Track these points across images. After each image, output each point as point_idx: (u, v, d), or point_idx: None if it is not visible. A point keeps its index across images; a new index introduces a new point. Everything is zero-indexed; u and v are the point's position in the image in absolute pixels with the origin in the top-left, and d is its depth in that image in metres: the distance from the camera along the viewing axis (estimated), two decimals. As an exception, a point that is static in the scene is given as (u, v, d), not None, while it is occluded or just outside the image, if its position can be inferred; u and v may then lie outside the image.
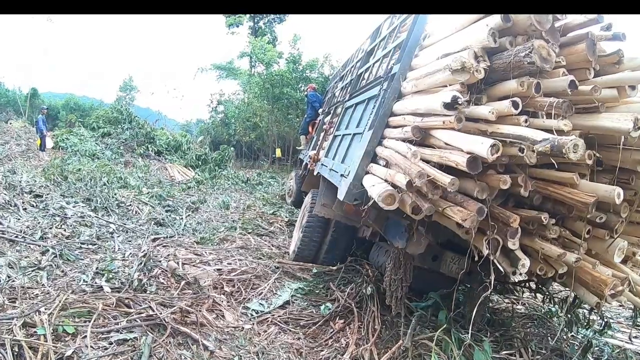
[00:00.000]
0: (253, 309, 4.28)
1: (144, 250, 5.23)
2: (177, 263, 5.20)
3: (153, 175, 11.77)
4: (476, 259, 3.10)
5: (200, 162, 13.83)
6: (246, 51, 25.88)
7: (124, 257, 5.30)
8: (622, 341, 4.80)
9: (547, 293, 4.89)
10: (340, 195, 3.86)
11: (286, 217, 9.33)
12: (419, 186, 2.73)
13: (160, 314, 3.46)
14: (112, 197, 7.94)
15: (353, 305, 4.34)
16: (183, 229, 7.30)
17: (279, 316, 4.21)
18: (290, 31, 47.66)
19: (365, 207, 3.46)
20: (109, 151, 13.26)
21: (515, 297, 6.35)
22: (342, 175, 4.19)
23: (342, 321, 4.18)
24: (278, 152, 20.34)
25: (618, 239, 3.17)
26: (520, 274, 3.18)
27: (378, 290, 4.68)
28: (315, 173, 6.39)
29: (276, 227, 8.54)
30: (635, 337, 4.98)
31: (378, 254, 5.26)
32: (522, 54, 2.66)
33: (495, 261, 2.93)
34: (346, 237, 5.99)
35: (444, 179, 2.59)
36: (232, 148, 15.92)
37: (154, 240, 6.27)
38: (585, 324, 4.65)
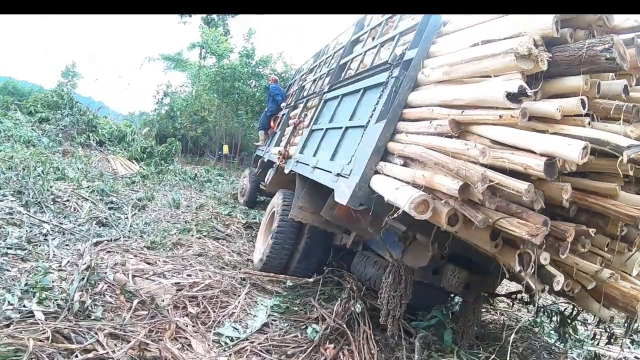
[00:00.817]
0: (227, 336, 3.51)
1: (86, 262, 4.26)
2: (127, 275, 4.30)
3: (94, 167, 10.47)
4: (507, 275, 2.84)
5: (145, 155, 12.58)
6: (197, 42, 24.52)
7: (60, 266, 4.32)
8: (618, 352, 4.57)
9: (540, 305, 4.64)
10: (342, 198, 3.28)
11: (242, 218, 8.51)
12: (476, 193, 2.14)
13: (113, 351, 2.61)
14: (47, 190, 6.76)
15: (344, 326, 3.68)
16: (129, 231, 6.32)
17: (259, 343, 3.49)
18: (241, 27, 46.28)
19: (357, 211, 3.14)
20: (46, 138, 11.76)
21: (491, 306, 6.01)
22: (339, 175, 3.60)
23: (332, 346, 3.53)
24: (225, 149, 19.34)
25: (637, 252, 3.03)
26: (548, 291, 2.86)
27: (367, 307, 4.08)
28: (287, 171, 5.66)
29: (233, 230, 7.74)
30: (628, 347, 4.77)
31: (365, 265, 4.69)
32: (599, 48, 2.16)
33: (526, 277, 2.54)
34: (322, 244, 5.38)
35: (518, 185, 2.03)
36: (178, 142, 14.73)
37: (96, 244, 5.29)
38: (574, 336, 4.53)
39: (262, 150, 9.20)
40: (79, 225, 5.85)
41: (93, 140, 12.55)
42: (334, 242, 5.36)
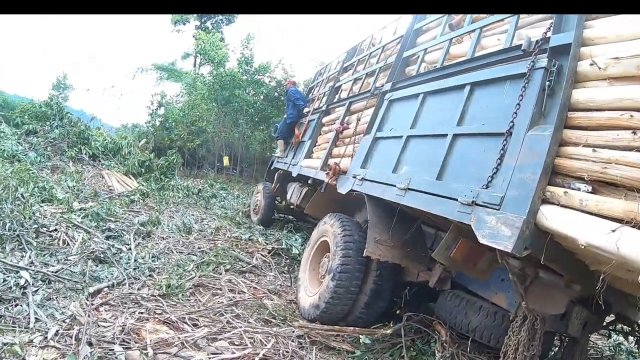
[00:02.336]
0: None
1: (79, 327, 2.76)
2: (144, 352, 2.81)
3: (87, 185, 8.89)
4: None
5: (143, 170, 10.98)
6: (190, 52, 22.93)
7: (45, 338, 2.84)
8: None
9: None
10: (496, 241, 2.26)
11: (264, 243, 7.00)
12: None
13: None
14: (30, 218, 5.19)
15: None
16: (135, 268, 4.80)
17: None
18: (236, 33, 44.37)
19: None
20: (33, 152, 10.14)
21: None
22: (474, 204, 2.50)
23: None
24: (226, 161, 17.83)
25: None
26: None
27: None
28: (344, 192, 4.26)
29: (258, 259, 6.23)
30: None
31: (466, 311, 3.53)
32: None
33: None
34: (391, 283, 4.12)
35: None
36: (178, 154, 13.21)
37: (92, 294, 3.77)
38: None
39: (283, 162, 7.74)
40: (69, 267, 4.31)
41: (85, 153, 10.94)
42: (406, 278, 4.09)
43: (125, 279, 4.32)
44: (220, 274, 5.27)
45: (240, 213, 9.98)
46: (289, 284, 5.54)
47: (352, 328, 3.90)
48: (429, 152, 3.24)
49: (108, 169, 10.58)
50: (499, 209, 2.31)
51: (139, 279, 4.51)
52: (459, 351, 3.49)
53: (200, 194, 11.36)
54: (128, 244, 5.65)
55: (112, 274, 4.44)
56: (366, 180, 3.98)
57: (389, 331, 3.81)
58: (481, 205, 2.43)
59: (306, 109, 7.64)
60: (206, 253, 5.94)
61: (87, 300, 3.61)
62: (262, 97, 17.56)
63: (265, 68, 17.48)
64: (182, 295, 4.23)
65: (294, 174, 6.39)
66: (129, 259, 5.06)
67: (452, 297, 3.69)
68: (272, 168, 8.56)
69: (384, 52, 5.26)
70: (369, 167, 4.13)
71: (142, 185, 10.26)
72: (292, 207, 9.16)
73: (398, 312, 4.10)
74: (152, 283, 4.46)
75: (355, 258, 3.97)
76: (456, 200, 2.61)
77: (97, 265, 4.58)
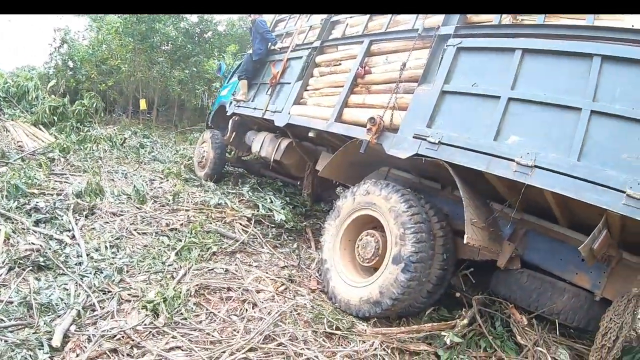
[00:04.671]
0: None
1: None
2: None
3: (-14, 144, 6.44)
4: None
5: (56, 118, 8.47)
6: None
7: None
8: None
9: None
10: None
11: (237, 208, 5.53)
12: None
13: None
14: None
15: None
16: (95, 272, 3.17)
17: None
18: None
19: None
20: None
21: None
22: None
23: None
24: (142, 104, 15.18)
25: None
26: None
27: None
28: (407, 155, 3.04)
29: (241, 232, 4.83)
30: None
31: (550, 294, 3.05)
32: None
33: None
34: (454, 267, 3.48)
35: None
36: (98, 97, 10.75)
37: (57, 349, 2.21)
38: None
39: (247, 107, 6.07)
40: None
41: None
42: (462, 256, 3.40)
43: (91, 298, 2.72)
44: (209, 260, 3.85)
45: (182, 166, 8.18)
46: (295, 264, 4.29)
47: (429, 325, 3.16)
48: (555, 125, 2.56)
49: (12, 119, 7.94)
50: None
51: (108, 290, 2.93)
52: (548, 336, 3.12)
53: (124, 145, 9.20)
54: (69, 230, 3.89)
55: (65, 290, 2.81)
56: (445, 144, 2.84)
57: (465, 321, 3.14)
58: None
59: (278, 45, 5.95)
60: (179, 231, 4.39)
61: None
62: (182, 32, 14.98)
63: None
64: (186, 310, 2.79)
65: (278, 124, 4.87)
66: (79, 256, 3.39)
67: (529, 279, 3.14)
68: (228, 114, 6.81)
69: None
70: (441, 128, 3.01)
71: (58, 137, 7.89)
72: (245, 157, 7.68)
73: (458, 295, 3.52)
74: (130, 295, 2.92)
75: (429, 243, 3.01)
76: (621, 191, 2.18)
77: (37, 279, 2.88)
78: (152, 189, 5.79)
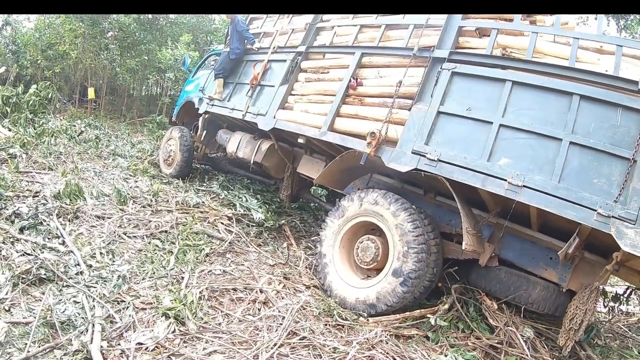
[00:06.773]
0: None
1: None
2: None
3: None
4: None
5: (9, 109, 7.73)
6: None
7: None
8: None
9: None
10: None
11: (215, 206, 5.50)
12: None
13: None
14: None
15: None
16: (100, 281, 3.08)
17: None
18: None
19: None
20: None
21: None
22: (614, 217, 2.54)
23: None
24: (91, 93, 14.16)
25: None
26: None
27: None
28: (406, 169, 3.27)
29: (223, 230, 4.83)
30: None
31: (525, 287, 3.43)
32: None
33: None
34: (442, 266, 3.74)
35: None
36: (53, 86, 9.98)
37: None
38: None
39: (223, 107, 5.94)
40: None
41: None
42: (448, 256, 3.69)
43: (107, 310, 2.66)
44: (204, 262, 3.85)
45: (145, 162, 7.87)
46: (282, 262, 4.38)
47: (418, 311, 3.53)
48: (540, 151, 2.90)
49: (-39, 112, 7.16)
50: (634, 224, 2.45)
51: (120, 300, 2.87)
52: (515, 318, 3.55)
53: (80, 137, 8.63)
54: (58, 237, 3.69)
55: (76, 303, 2.71)
56: (444, 162, 3.06)
57: (446, 306, 3.59)
58: (618, 219, 2.50)
59: (257, 45, 5.83)
60: (169, 233, 4.30)
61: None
62: (134, 18, 14.08)
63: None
64: (204, 314, 2.81)
65: (263, 127, 4.85)
66: (77, 265, 3.25)
67: (506, 274, 3.52)
68: (200, 112, 6.60)
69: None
70: (438, 146, 3.23)
71: (13, 130, 7.24)
72: (212, 155, 7.53)
73: (440, 285, 3.79)
74: (143, 303, 2.88)
75: (428, 260, 3.34)
76: (592, 209, 2.59)
77: (43, 293, 2.74)
78: (129, 189, 5.55)
